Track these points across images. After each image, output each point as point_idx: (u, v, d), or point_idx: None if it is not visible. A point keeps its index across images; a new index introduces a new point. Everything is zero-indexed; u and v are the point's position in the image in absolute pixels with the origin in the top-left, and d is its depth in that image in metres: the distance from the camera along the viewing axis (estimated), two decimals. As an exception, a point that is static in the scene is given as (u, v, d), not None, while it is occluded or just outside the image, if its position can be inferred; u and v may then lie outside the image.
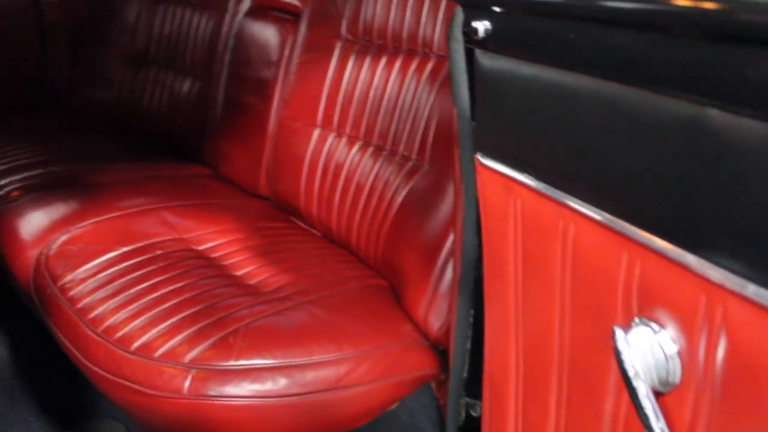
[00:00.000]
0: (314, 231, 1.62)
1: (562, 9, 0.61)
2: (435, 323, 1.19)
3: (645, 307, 0.58)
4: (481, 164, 0.77)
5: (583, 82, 0.60)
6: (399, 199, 1.37)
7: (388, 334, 1.19)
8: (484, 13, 0.70)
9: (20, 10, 2.24)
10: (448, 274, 1.18)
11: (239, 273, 1.38)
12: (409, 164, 1.39)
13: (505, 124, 0.73)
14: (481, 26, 0.70)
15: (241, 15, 1.88)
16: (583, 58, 0.60)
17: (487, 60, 0.73)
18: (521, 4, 0.65)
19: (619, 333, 0.57)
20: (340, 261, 1.46)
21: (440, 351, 1.21)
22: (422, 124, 1.37)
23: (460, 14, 0.79)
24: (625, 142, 0.57)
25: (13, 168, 1.81)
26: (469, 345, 0.97)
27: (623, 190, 0.58)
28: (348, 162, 1.52)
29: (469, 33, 0.73)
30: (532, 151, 0.69)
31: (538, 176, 0.68)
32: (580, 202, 0.63)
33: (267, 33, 1.77)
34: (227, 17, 1.91)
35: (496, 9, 0.69)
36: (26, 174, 1.77)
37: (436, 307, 1.20)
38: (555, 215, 0.66)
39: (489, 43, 0.71)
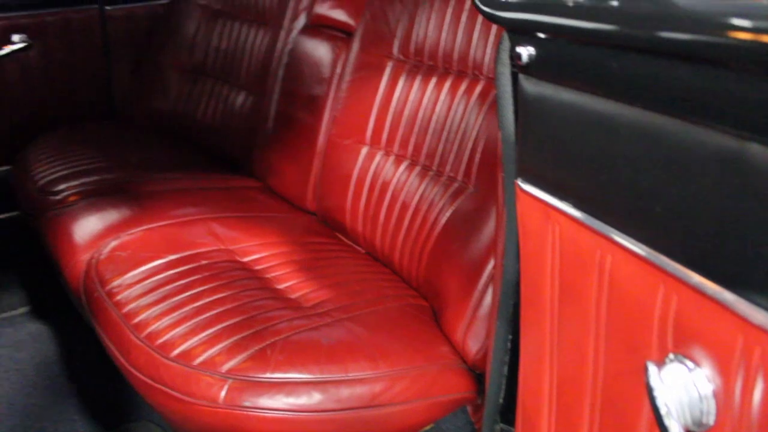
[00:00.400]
0: (358, 248, 1.63)
1: (606, 37, 0.60)
2: (473, 346, 1.18)
3: (680, 343, 0.57)
4: (521, 189, 0.76)
5: (624, 111, 0.59)
6: (443, 219, 1.37)
7: (425, 355, 1.19)
8: (529, 39, 0.70)
9: (86, 23, 2.32)
10: (488, 297, 1.18)
11: (281, 286, 1.39)
12: (455, 185, 1.39)
13: (546, 150, 0.72)
14: (525, 51, 0.70)
15: (295, 32, 1.91)
16: (624, 87, 0.59)
17: (530, 85, 0.72)
18: (565, 30, 0.64)
19: (652, 369, 0.56)
20: (382, 279, 1.46)
21: (477, 375, 1.20)
22: (469, 146, 1.37)
23: (507, 38, 0.79)
24: (666, 175, 0.56)
25: (72, 174, 1.87)
26: (506, 371, 0.96)
27: (662, 223, 0.57)
28: (394, 180, 1.53)
29: (514, 57, 0.73)
30: (571, 179, 0.68)
31: (577, 205, 0.67)
32: (618, 233, 0.62)
33: (320, 50, 1.79)
34: (282, 34, 1.94)
35: (540, 35, 0.68)
36: (84, 180, 1.83)
37: (475, 331, 1.19)
38: (593, 245, 0.65)
39: (532, 68, 0.70)
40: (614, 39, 0.59)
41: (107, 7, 2.35)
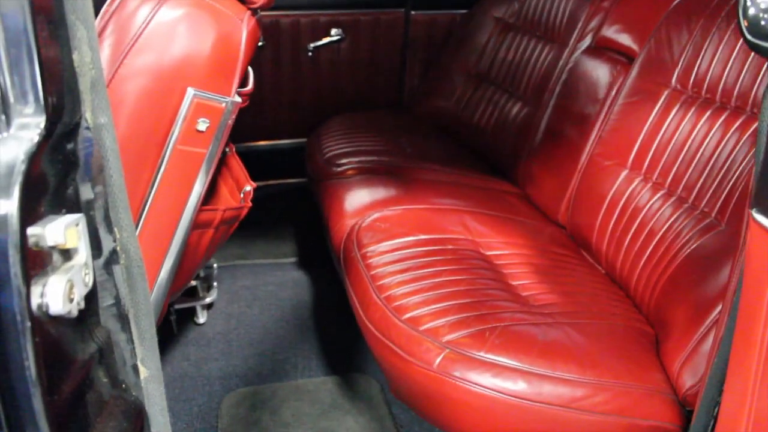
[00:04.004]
0: (599, 267, 1.65)
1: None
2: (687, 381, 1.17)
3: None
4: (753, 219, 0.77)
5: None
6: (685, 252, 1.35)
7: (635, 376, 1.20)
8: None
9: (392, 23, 2.62)
10: (713, 336, 1.15)
11: (514, 283, 1.48)
12: (707, 221, 1.36)
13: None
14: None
15: (578, 52, 1.97)
16: None
17: (778, 120, 0.73)
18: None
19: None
20: (613, 299, 1.48)
21: (686, 411, 1.18)
22: (730, 184, 1.34)
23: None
24: None
25: (355, 151, 2.12)
26: (716, 412, 0.95)
27: None
28: (647, 207, 1.53)
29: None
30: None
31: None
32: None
33: (599, 72, 1.83)
34: (566, 52, 2.01)
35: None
36: (363, 158, 2.07)
37: (693, 366, 1.17)
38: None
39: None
40: None
41: (412, 12, 2.61)
